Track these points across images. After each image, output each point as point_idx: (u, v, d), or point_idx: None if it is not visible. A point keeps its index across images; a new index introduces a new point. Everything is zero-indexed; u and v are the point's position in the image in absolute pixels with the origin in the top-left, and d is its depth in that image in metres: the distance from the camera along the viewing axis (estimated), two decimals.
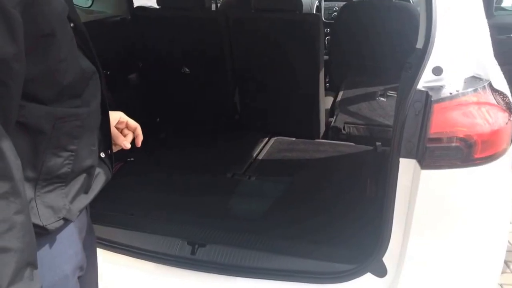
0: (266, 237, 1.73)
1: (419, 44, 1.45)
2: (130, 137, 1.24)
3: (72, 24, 0.96)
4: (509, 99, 1.44)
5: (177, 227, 1.82)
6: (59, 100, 0.93)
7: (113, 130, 1.20)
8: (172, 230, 1.79)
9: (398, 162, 1.38)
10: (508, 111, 1.39)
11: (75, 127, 0.97)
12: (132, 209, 1.94)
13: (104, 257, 1.64)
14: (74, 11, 1.01)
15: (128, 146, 1.23)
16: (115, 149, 1.21)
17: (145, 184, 2.16)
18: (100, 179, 1.10)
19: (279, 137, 2.68)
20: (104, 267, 1.30)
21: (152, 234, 1.76)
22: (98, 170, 1.09)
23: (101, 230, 1.62)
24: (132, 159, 2.29)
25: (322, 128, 2.65)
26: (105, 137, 1.12)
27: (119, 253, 1.71)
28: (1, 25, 0.74)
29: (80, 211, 1.04)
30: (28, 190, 0.92)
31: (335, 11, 4.06)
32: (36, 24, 0.82)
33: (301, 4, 2.50)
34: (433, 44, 1.36)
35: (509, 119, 1.37)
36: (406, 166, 1.38)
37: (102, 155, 1.11)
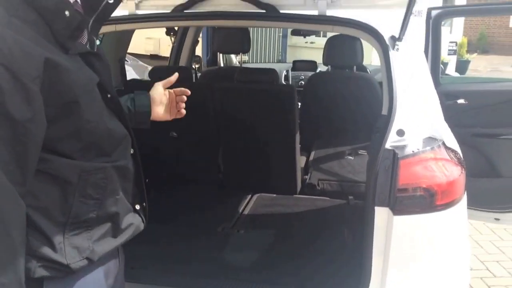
0: (257, 283, 1.89)
1: (384, 112, 1.74)
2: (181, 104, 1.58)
3: (109, 95, 1.09)
4: (459, 155, 1.71)
5: (176, 278, 1.94)
6: (86, 156, 1.03)
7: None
8: (171, 281, 1.90)
9: (374, 210, 1.60)
10: (460, 165, 1.66)
11: (100, 179, 1.06)
12: (132, 263, 2.06)
13: None
14: (110, 84, 1.13)
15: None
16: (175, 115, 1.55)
17: (142, 239, 2.27)
18: (132, 228, 1.18)
19: (261, 194, 2.87)
20: None
21: (153, 285, 1.87)
22: (131, 220, 1.17)
23: None
24: None
25: (299, 185, 2.86)
26: (140, 191, 1.22)
27: None
28: (20, 96, 0.87)
29: (105, 254, 1.11)
30: (58, 233, 1.01)
31: (301, 80, 4.45)
32: (57, 94, 0.93)
33: (277, 76, 2.81)
34: (395, 112, 1.64)
35: (462, 172, 1.64)
36: (381, 213, 1.60)
37: (137, 207, 1.20)
